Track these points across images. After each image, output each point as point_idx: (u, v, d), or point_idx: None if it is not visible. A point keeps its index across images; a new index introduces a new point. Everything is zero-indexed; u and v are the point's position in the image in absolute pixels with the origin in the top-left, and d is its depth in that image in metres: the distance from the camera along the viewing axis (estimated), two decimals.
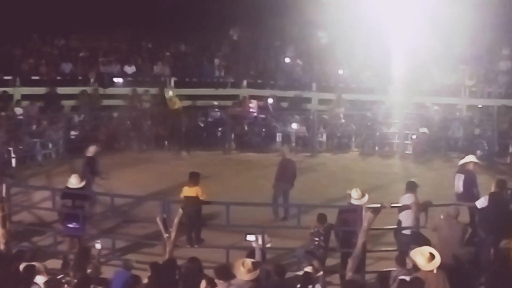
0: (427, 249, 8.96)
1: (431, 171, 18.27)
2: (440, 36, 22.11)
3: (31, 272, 9.08)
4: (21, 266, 9.33)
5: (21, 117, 20.22)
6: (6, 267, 9.49)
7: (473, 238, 11.70)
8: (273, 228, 13.03)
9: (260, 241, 10.37)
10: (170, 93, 21.13)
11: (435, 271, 8.76)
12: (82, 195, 12.28)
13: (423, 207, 11.62)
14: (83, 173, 13.93)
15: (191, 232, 12.37)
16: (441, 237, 10.64)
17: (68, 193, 12.18)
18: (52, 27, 24.42)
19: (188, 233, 12.31)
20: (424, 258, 8.76)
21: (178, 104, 21.36)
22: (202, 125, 21.54)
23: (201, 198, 12.32)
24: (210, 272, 9.44)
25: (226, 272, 8.72)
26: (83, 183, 12.40)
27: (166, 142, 20.44)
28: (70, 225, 12.02)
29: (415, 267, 8.97)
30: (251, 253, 10.11)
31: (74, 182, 12.27)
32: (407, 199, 11.69)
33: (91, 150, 14.71)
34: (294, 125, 21.12)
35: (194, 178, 12.48)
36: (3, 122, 18.46)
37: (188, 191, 12.34)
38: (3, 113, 19.69)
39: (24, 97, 21.83)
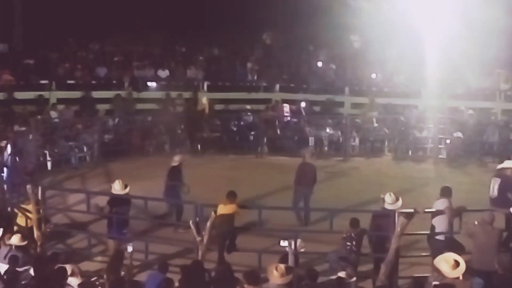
0: (451, 256, 8.83)
1: (465, 176, 18.08)
2: (475, 39, 21.84)
3: (63, 274, 9.19)
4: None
5: (56, 120, 20.49)
6: (41, 269, 9.63)
7: (509, 244, 11.55)
8: (305, 232, 13.05)
9: (293, 246, 10.39)
10: (204, 98, 21.06)
11: (461, 277, 8.65)
12: (129, 201, 12.30)
13: (457, 213, 11.52)
14: (166, 182, 13.88)
15: (223, 250, 11.88)
16: (477, 243, 10.52)
17: (117, 199, 12.16)
18: (88, 31, 24.75)
19: (220, 251, 11.81)
20: (448, 265, 8.64)
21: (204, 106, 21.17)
22: (234, 129, 21.61)
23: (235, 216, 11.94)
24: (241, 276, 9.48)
25: (255, 277, 8.73)
26: (127, 189, 12.32)
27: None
28: (124, 231, 12.12)
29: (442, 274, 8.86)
30: (283, 258, 10.13)
31: (118, 188, 12.24)
32: (441, 204, 11.60)
33: (176, 159, 14.42)
34: (328, 130, 21.06)
35: (231, 197, 12.00)
36: (39, 126, 18.69)
37: (223, 209, 11.82)
38: (39, 117, 19.94)
39: (60, 101, 22.11)
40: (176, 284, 9.32)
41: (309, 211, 14.10)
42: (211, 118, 21.58)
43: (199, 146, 20.31)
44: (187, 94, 22.83)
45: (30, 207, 12.04)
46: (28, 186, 11.90)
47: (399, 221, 10.36)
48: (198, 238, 10.70)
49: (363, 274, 11.16)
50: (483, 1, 19.05)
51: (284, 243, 10.40)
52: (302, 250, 10.83)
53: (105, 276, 9.84)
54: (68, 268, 9.38)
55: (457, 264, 8.71)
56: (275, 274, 8.63)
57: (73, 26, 23.94)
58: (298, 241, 10.87)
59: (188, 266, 9.71)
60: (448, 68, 21.15)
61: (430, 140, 20.44)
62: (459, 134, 19.83)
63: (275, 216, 13.22)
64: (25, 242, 10.59)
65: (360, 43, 25.00)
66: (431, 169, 19.13)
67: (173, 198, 13.83)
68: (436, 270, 9.08)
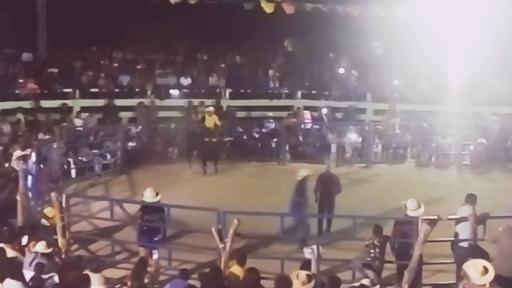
0: (480, 262, 8.74)
1: (489, 182, 17.94)
2: (498, 45, 21.73)
3: (86, 281, 9.23)
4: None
5: (80, 128, 20.67)
6: (65, 276, 9.70)
7: None
8: (328, 239, 13.04)
9: (316, 253, 10.38)
10: (211, 108, 20.34)
11: (488, 285, 8.56)
12: (160, 208, 12.24)
13: (480, 219, 11.43)
14: (293, 196, 13.72)
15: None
16: (501, 250, 10.42)
17: (149, 207, 12.09)
18: (111, 40, 24.97)
19: None
20: (477, 271, 8.55)
21: (212, 124, 19.91)
22: (257, 136, 21.66)
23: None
24: (264, 283, 9.49)
25: (285, 283, 8.70)
26: (159, 197, 12.24)
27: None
28: (156, 238, 12.02)
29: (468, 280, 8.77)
30: (305, 264, 10.11)
31: (149, 196, 12.15)
32: (464, 211, 11.51)
33: (302, 174, 14.07)
34: (353, 136, 21.01)
35: (241, 261, 10.71)
36: (63, 134, 18.89)
37: (238, 271, 10.55)
38: (64, 124, 20.14)
39: (83, 109, 22.31)
40: None
41: (330, 222, 13.96)
42: (229, 126, 21.43)
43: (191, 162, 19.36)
44: (209, 102, 22.92)
45: (49, 211, 12.15)
46: (53, 194, 12.01)
47: (422, 228, 10.31)
48: (221, 245, 10.71)
49: (386, 281, 11.12)
50: (506, 6, 18.94)
51: (307, 250, 10.39)
52: (321, 253, 10.81)
53: (128, 283, 9.89)
54: (97, 277, 9.46)
55: (486, 270, 8.62)
56: (296, 282, 8.61)
57: (96, 35, 24.18)
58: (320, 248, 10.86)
59: (206, 273, 9.71)
60: (472, 74, 21.05)
61: (454, 146, 20.32)
62: (483, 140, 19.67)
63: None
64: (50, 250, 10.67)
65: (382, 50, 24.95)
66: (454, 176, 19.00)
67: (298, 214, 13.44)
68: (465, 276, 8.99)
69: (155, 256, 11.20)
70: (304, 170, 14.17)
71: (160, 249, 12.19)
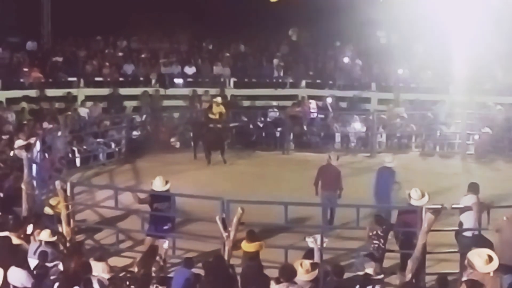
0: (485, 251, 8.79)
1: (494, 172, 17.93)
2: (503, 34, 21.63)
3: (87, 268, 9.26)
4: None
5: (85, 117, 20.67)
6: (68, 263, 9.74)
7: None
8: (332, 229, 13.05)
9: (319, 242, 10.40)
10: (219, 99, 20.21)
11: (491, 274, 8.59)
12: (170, 197, 12.19)
13: (484, 209, 11.42)
14: (379, 183, 13.64)
15: None
16: (503, 239, 10.45)
17: (158, 196, 12.05)
18: (115, 29, 24.95)
19: None
20: (481, 260, 8.60)
21: (218, 113, 19.88)
22: (261, 125, 21.65)
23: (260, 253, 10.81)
24: (268, 272, 9.52)
25: (289, 272, 8.72)
26: (168, 185, 12.21)
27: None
28: (165, 227, 11.99)
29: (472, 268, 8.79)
30: (308, 253, 10.14)
31: (159, 184, 12.14)
32: (468, 200, 11.52)
33: (389, 160, 14.04)
34: (358, 125, 20.99)
35: (252, 236, 10.78)
36: (68, 123, 18.91)
37: (247, 247, 10.68)
38: (69, 113, 20.16)
39: (88, 98, 22.30)
40: None
41: (334, 213, 13.91)
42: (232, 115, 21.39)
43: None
44: (213, 91, 22.91)
45: (55, 200, 12.18)
46: (57, 182, 12.04)
47: (426, 217, 10.31)
48: (225, 234, 10.74)
49: (389, 270, 11.13)
50: None
51: (309, 239, 10.40)
52: (324, 244, 10.82)
53: (136, 269, 9.91)
54: (101, 266, 9.48)
55: (490, 259, 8.67)
56: (300, 270, 8.65)
57: (100, 24, 24.16)
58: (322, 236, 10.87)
59: (210, 262, 9.74)
60: (476, 63, 20.99)
61: (458, 136, 20.29)
62: (488, 130, 19.65)
63: (301, 212, 13.24)
64: (55, 238, 10.70)
65: (387, 39, 24.89)
66: (458, 165, 18.98)
67: (385, 201, 13.42)
68: (469, 265, 9.02)
69: (166, 245, 11.18)
70: (390, 156, 14.17)
71: (167, 238, 12.21)
